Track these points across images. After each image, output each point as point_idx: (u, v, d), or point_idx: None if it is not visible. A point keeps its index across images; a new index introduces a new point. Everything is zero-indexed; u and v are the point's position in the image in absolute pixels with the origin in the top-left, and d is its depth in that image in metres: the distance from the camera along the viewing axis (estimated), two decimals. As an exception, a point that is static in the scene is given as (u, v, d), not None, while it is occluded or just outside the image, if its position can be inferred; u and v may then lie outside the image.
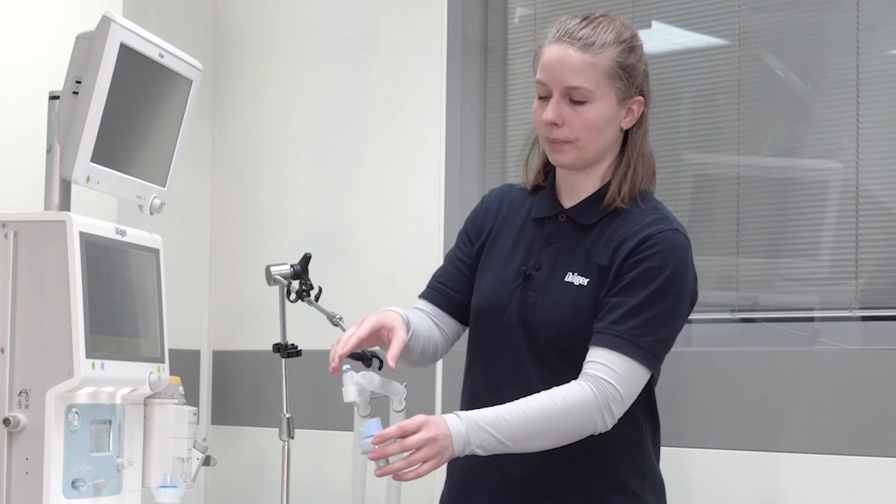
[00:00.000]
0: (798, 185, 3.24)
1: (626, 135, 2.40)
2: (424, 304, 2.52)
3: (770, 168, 3.30)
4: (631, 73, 2.36)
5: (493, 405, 2.27)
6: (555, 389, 2.26)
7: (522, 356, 2.36)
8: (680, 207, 3.34)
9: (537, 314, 2.35)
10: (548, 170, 2.47)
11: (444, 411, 3.32)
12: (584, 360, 2.29)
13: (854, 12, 3.15)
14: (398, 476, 2.23)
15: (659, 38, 3.47)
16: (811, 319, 3.17)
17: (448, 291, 2.51)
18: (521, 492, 2.38)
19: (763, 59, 3.31)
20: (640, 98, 2.38)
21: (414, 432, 2.19)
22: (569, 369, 2.30)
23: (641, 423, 2.40)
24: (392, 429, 2.20)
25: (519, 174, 2.51)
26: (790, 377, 3.04)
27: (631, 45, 2.36)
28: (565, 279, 2.35)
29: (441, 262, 2.58)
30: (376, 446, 2.21)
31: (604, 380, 2.25)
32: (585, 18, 2.36)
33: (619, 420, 2.31)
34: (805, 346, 3.14)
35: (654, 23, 3.48)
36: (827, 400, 2.99)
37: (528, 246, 2.42)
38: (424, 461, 2.20)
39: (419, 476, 2.22)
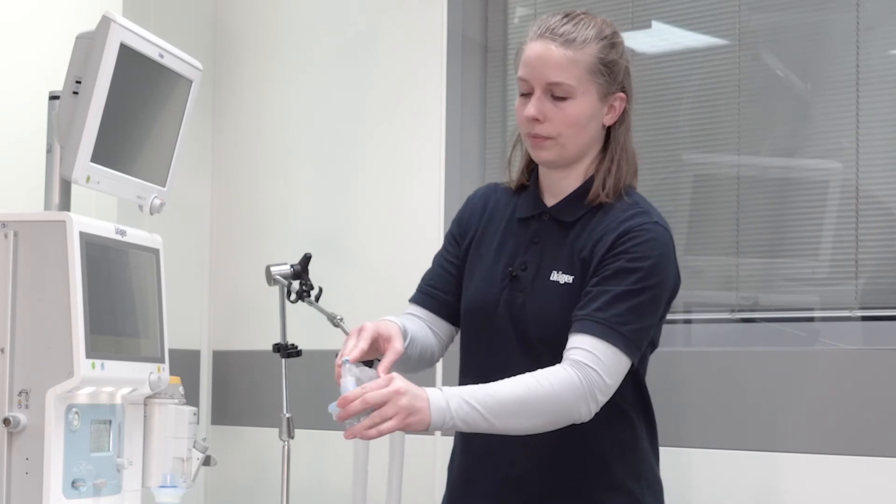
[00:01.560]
0: (798, 185, 3.24)
1: (609, 132, 2.41)
2: (417, 310, 2.51)
3: (770, 168, 3.30)
4: (612, 70, 2.36)
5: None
6: (539, 372, 2.23)
7: (514, 356, 2.36)
8: (680, 207, 3.35)
9: (527, 314, 2.35)
10: (532, 168, 2.47)
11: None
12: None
13: (854, 12, 3.15)
14: (363, 435, 2.15)
15: (659, 38, 3.47)
16: (811, 319, 3.17)
17: (439, 294, 2.50)
18: (518, 492, 2.38)
19: (763, 59, 3.31)
20: (622, 95, 2.38)
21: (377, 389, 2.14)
22: (552, 362, 2.28)
23: (636, 422, 2.40)
24: (356, 390, 2.15)
25: (503, 174, 2.52)
26: (790, 377, 3.04)
27: (612, 42, 2.37)
28: (551, 278, 2.35)
29: (439, 264, 2.59)
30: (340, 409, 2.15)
31: (589, 367, 2.23)
32: (567, 16, 2.37)
33: (613, 420, 2.32)
34: (805, 346, 3.14)
35: (654, 23, 3.48)
36: (827, 400, 2.99)
37: (514, 246, 2.42)
38: (388, 418, 2.14)
39: (381, 434, 2.15)
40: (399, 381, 2.16)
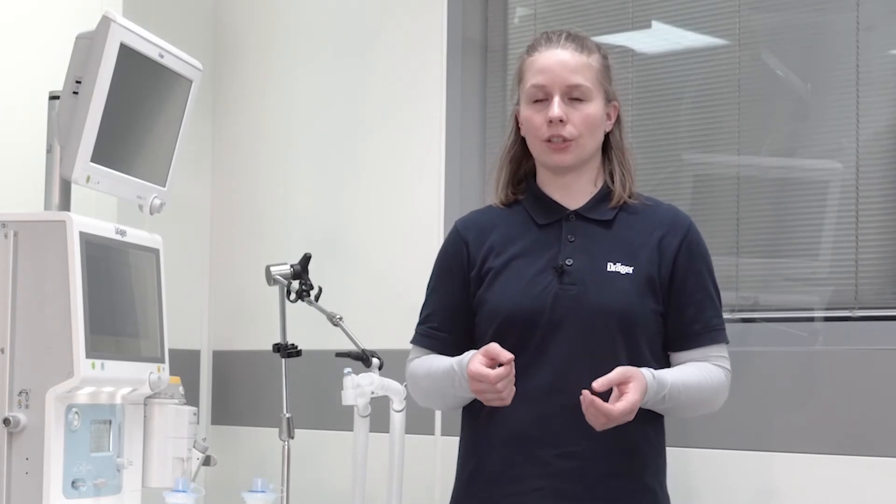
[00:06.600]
0: (798, 185, 3.24)
1: (606, 138, 2.56)
2: (434, 355, 2.60)
3: (770, 168, 3.30)
4: (610, 77, 2.55)
5: (554, 403, 2.40)
6: (700, 365, 2.47)
7: (574, 347, 2.44)
8: (680, 207, 3.34)
9: (589, 303, 2.44)
10: (522, 187, 2.59)
11: (446, 411, 3.32)
12: (640, 338, 2.44)
13: (854, 12, 3.15)
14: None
15: (659, 38, 3.47)
16: (811, 319, 3.17)
17: (459, 334, 2.58)
18: (573, 488, 2.44)
19: (763, 59, 3.31)
20: (616, 104, 2.56)
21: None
22: (624, 350, 2.42)
23: (657, 413, 2.50)
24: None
25: (490, 195, 2.64)
26: (790, 377, 3.04)
27: (605, 53, 2.56)
28: (608, 269, 2.47)
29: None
30: None
31: (724, 367, 2.52)
32: (561, 33, 2.54)
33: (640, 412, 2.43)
34: (805, 346, 3.14)
35: (654, 23, 3.48)
36: (827, 400, 2.99)
37: (547, 246, 2.51)
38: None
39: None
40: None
